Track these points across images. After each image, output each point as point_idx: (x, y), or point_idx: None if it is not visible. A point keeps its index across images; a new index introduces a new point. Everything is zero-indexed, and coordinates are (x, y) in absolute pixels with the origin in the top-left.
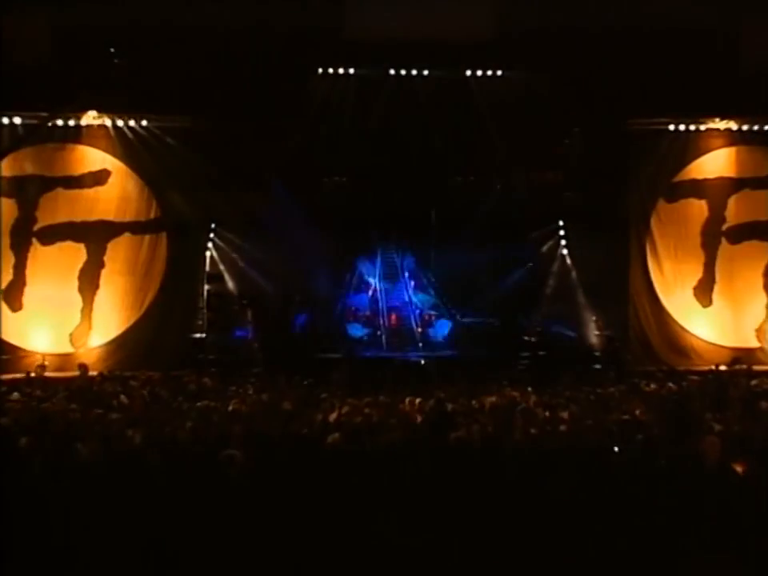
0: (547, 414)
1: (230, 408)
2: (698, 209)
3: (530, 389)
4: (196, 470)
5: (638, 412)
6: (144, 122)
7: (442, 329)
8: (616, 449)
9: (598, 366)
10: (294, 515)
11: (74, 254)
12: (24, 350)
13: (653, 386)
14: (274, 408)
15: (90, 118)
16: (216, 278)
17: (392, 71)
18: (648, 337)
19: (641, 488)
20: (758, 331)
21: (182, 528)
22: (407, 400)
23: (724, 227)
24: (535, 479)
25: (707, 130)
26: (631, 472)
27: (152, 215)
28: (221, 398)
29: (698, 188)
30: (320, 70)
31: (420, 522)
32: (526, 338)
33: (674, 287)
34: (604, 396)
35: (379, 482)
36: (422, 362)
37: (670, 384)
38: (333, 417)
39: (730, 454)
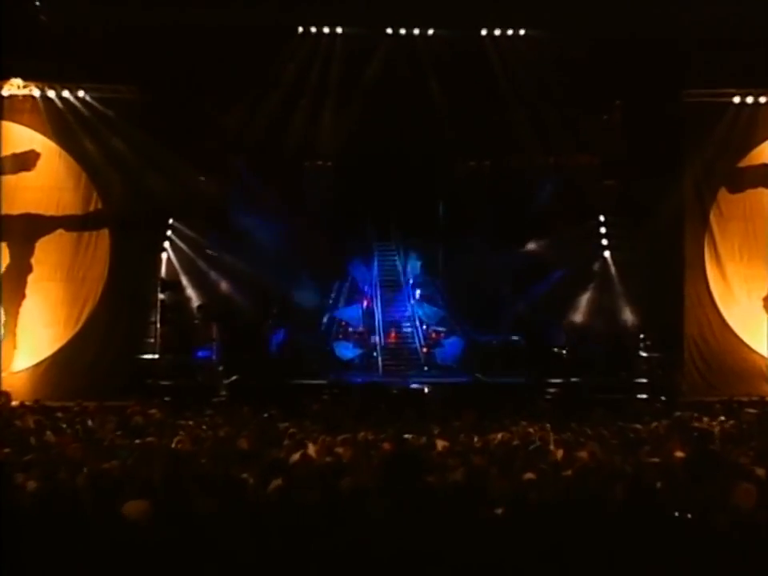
0: (561, 454)
1: (173, 446)
2: None
3: (548, 425)
4: (88, 522)
5: (677, 453)
6: (80, 93)
7: (453, 349)
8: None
9: (644, 396)
10: None
11: None
12: None
13: (706, 420)
14: (226, 446)
15: (15, 87)
16: (172, 285)
17: (388, 30)
18: (707, 359)
19: (637, 546)
20: None
21: None
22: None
23: None
24: (507, 538)
25: None
26: (629, 527)
27: (91, 207)
28: (167, 434)
29: None
30: (299, 29)
31: None
32: (557, 360)
33: (738, 297)
34: (642, 433)
35: (316, 542)
36: (426, 389)
37: (722, 418)
38: (295, 457)
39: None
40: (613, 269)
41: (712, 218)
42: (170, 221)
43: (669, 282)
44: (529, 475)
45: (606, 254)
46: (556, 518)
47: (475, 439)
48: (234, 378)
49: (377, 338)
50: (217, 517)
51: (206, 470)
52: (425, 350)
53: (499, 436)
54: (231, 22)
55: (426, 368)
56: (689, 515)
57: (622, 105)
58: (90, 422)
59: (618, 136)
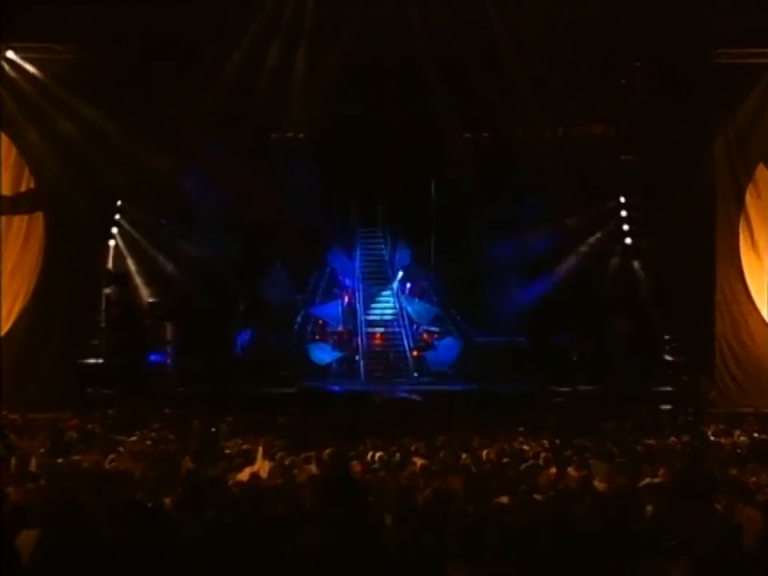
0: (552, 475)
1: (106, 465)
2: None
3: (545, 441)
4: None
5: None
6: (9, 53)
7: (448, 352)
8: None
9: (667, 407)
10: None
11: None
12: None
13: (737, 433)
14: (166, 466)
15: None
16: (120, 278)
17: None
18: (741, 363)
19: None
20: None
21: None
22: (371, 454)
23: None
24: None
25: None
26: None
27: (22, 187)
28: (103, 451)
29: None
30: None
31: None
32: (567, 364)
33: None
34: (656, 449)
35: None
36: (415, 398)
37: (755, 434)
38: (241, 476)
39: None
40: (633, 258)
41: (748, 198)
42: (117, 202)
43: (698, 273)
44: (502, 499)
45: (627, 240)
46: (518, 547)
47: (463, 456)
48: (190, 385)
49: (359, 340)
50: (120, 545)
51: (127, 494)
52: (415, 353)
53: (484, 453)
54: None
55: (416, 374)
56: (671, 543)
57: (641, 67)
58: (14, 438)
59: (637, 104)
